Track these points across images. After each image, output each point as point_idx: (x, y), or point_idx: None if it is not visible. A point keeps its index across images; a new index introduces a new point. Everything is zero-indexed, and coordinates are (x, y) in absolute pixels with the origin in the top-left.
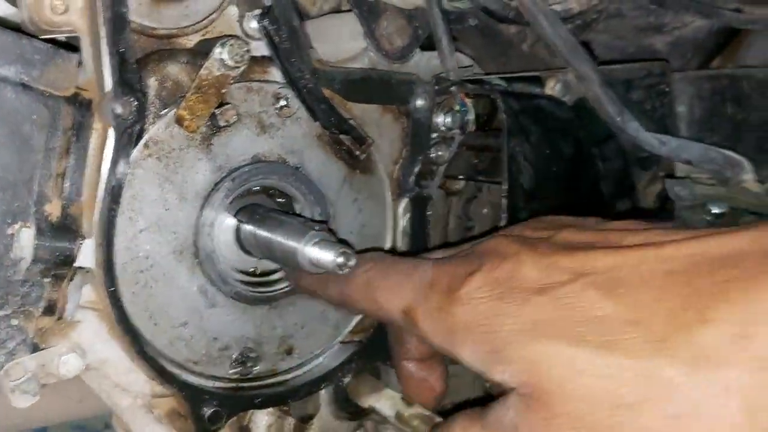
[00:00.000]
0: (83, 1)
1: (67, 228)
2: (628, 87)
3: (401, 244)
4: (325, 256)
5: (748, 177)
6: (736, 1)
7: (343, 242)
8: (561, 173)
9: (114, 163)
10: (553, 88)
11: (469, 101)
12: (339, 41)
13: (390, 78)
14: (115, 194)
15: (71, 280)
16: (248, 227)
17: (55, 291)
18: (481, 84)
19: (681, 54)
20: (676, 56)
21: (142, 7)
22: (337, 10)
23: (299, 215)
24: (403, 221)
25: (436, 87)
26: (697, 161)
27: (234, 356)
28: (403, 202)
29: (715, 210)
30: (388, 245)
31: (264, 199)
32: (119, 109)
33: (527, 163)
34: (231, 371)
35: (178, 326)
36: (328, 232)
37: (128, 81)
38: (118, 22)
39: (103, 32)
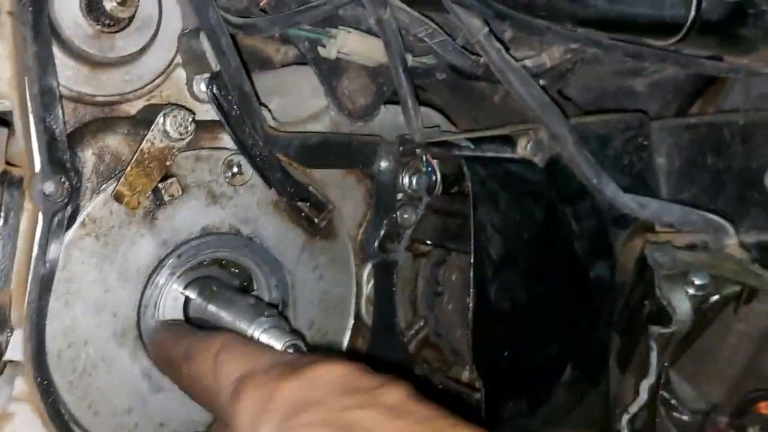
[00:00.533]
0: (11, 71)
1: None
2: (605, 142)
3: (366, 312)
4: (273, 345)
5: (732, 242)
6: (714, 50)
7: (295, 332)
8: (532, 238)
9: (43, 249)
10: (524, 147)
11: (435, 163)
12: (300, 97)
13: (351, 141)
14: (45, 282)
15: (1, 373)
16: (197, 302)
17: None
18: (447, 146)
19: (661, 96)
20: (656, 98)
21: (80, 73)
22: (302, 59)
23: (253, 295)
24: (368, 288)
25: (401, 148)
26: (678, 224)
27: None
28: (368, 268)
29: (698, 281)
30: (351, 313)
31: (216, 271)
32: (49, 190)
33: (495, 232)
34: None
35: (121, 414)
36: (279, 318)
37: (59, 160)
38: (47, 97)
39: (30, 106)
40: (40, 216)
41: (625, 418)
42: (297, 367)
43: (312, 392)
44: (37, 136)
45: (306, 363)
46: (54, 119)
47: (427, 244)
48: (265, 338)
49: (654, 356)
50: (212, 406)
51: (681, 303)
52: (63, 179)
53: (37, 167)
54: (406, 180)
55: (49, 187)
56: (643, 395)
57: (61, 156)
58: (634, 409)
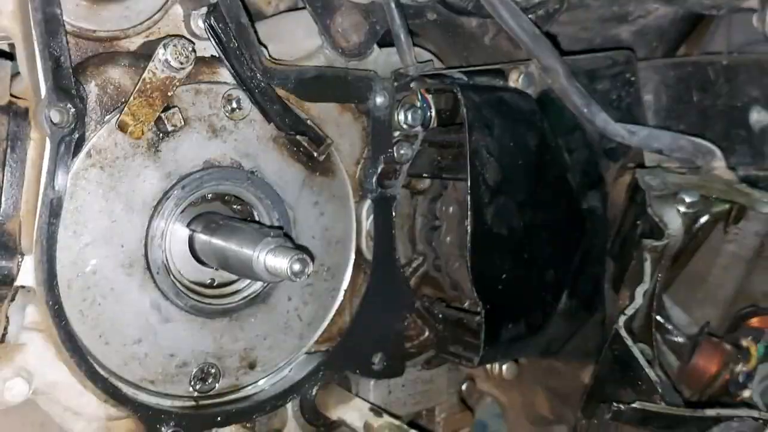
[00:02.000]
0: (14, 4)
1: (4, 245)
2: (593, 77)
3: (366, 247)
4: (280, 263)
5: (720, 164)
6: None
7: (301, 248)
8: (527, 165)
9: (51, 174)
10: (516, 80)
11: (430, 97)
12: (294, 40)
13: (346, 75)
14: (54, 208)
15: (12, 300)
16: (202, 236)
17: None
18: (441, 78)
19: (646, 43)
20: (642, 45)
21: (80, 8)
22: (293, 9)
23: (257, 222)
24: (368, 223)
25: (396, 83)
26: (667, 150)
27: (193, 373)
28: (367, 204)
29: (688, 199)
30: (353, 249)
31: (219, 206)
32: (55, 117)
33: (491, 157)
34: (190, 389)
35: (131, 344)
36: (283, 238)
37: (64, 86)
38: (51, 24)
39: (34, 33)
40: (48, 142)
41: (622, 319)
42: None
43: None
44: (42, 63)
45: None
46: (58, 46)
47: (424, 177)
48: (271, 258)
49: (648, 265)
50: None
51: (672, 219)
52: (68, 105)
53: (43, 94)
54: (401, 116)
55: (56, 113)
56: (639, 299)
57: (65, 82)
58: (630, 311)
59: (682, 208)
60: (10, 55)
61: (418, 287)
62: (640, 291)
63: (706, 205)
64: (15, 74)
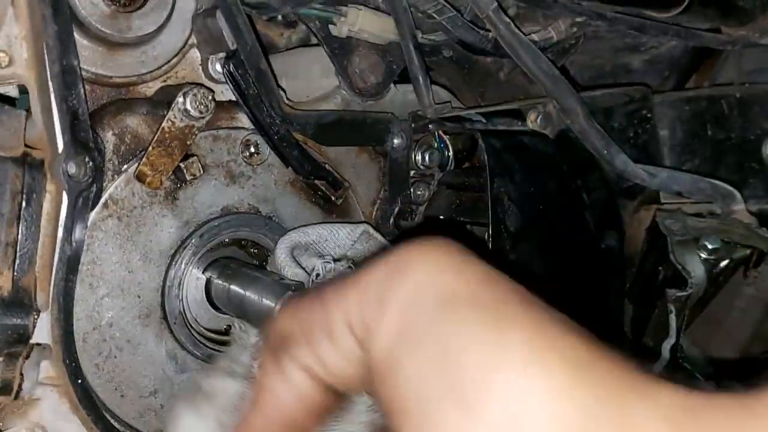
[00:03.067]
0: (29, 52)
1: (19, 302)
2: (609, 114)
3: None
4: None
5: (739, 207)
6: (712, 22)
7: None
8: (546, 210)
9: (68, 229)
10: (534, 121)
11: (447, 138)
12: (310, 78)
13: (365, 119)
14: (72, 263)
15: (27, 357)
16: (219, 283)
17: (10, 370)
18: (460, 121)
19: (658, 72)
20: (653, 74)
21: (96, 55)
22: (306, 42)
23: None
24: None
25: (413, 125)
26: (687, 192)
27: None
28: None
29: (710, 245)
30: None
31: (236, 251)
32: (73, 170)
33: (512, 203)
34: None
35: (147, 396)
36: (305, 292)
37: (82, 139)
38: (69, 76)
39: (51, 85)
40: (65, 197)
41: None
42: None
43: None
44: (60, 116)
45: None
46: (76, 98)
47: (441, 220)
48: None
49: (673, 318)
50: None
51: (695, 267)
52: (87, 159)
53: (60, 147)
54: (419, 156)
55: (73, 167)
56: (666, 355)
57: (84, 135)
58: (657, 368)
59: (704, 255)
60: (12, 99)
61: None
62: (666, 347)
63: (727, 250)
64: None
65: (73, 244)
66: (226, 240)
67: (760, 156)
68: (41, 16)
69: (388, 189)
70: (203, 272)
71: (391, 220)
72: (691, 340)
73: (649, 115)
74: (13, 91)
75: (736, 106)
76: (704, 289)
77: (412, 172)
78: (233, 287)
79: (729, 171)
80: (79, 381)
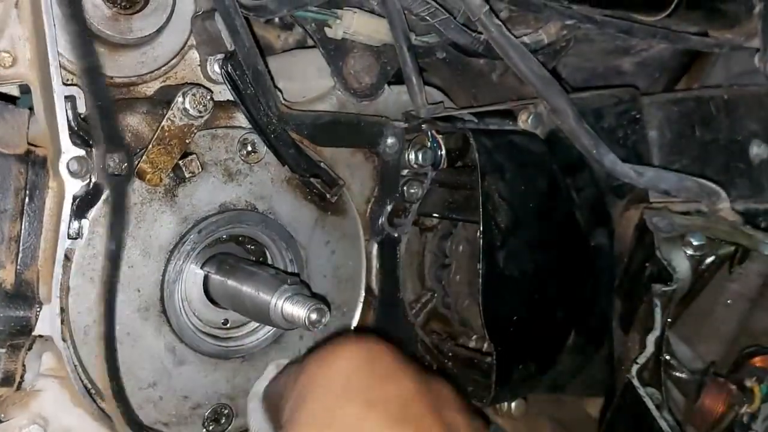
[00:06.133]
0: (32, 53)
1: (22, 295)
2: (599, 115)
3: (376, 285)
4: (298, 312)
5: (725, 206)
6: (699, 26)
7: (317, 297)
8: (537, 207)
9: (70, 224)
10: (525, 121)
11: (440, 137)
12: (306, 79)
13: (359, 121)
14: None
15: (29, 349)
16: (217, 278)
17: (12, 361)
18: (452, 121)
19: (648, 74)
20: (644, 76)
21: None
22: (302, 44)
23: (271, 265)
24: (377, 261)
25: (406, 125)
26: (674, 191)
27: (206, 414)
28: (377, 242)
29: (695, 242)
30: (362, 286)
31: (233, 247)
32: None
33: (503, 201)
34: (204, 430)
35: (145, 387)
36: (300, 285)
37: (113, 136)
38: (94, 73)
39: (55, 85)
40: (67, 192)
41: (635, 368)
42: None
43: None
44: (62, 114)
45: None
46: (102, 95)
47: (434, 217)
48: (288, 306)
49: (658, 311)
50: None
51: (680, 263)
52: (119, 153)
53: (63, 144)
54: (411, 156)
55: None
56: (650, 347)
57: (113, 132)
58: (642, 359)
59: (690, 251)
60: (15, 98)
61: (426, 323)
62: (651, 339)
63: (712, 247)
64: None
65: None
66: (224, 236)
67: (746, 156)
68: (59, 15)
69: (381, 187)
70: (201, 267)
71: (384, 218)
72: (679, 335)
73: (638, 116)
74: (14, 91)
75: (724, 107)
76: (690, 285)
77: (405, 171)
78: (231, 282)
79: (716, 171)
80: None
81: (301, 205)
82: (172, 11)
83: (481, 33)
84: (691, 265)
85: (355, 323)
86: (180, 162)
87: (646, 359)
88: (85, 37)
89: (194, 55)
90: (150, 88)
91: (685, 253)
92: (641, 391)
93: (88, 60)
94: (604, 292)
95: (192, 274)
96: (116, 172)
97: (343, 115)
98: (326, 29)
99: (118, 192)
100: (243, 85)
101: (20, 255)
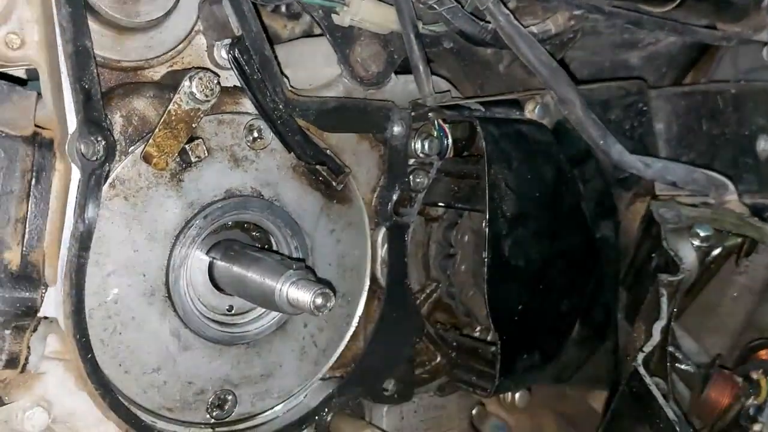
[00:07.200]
0: (40, 35)
1: (28, 277)
2: (607, 107)
3: (381, 274)
4: (303, 296)
5: (732, 197)
6: (708, 18)
7: (322, 282)
8: (543, 197)
9: (81, 207)
10: (532, 111)
11: (446, 126)
12: (313, 67)
13: (366, 107)
14: (83, 240)
15: (34, 331)
16: (222, 264)
17: (17, 343)
18: (459, 110)
19: (656, 68)
20: (651, 71)
21: (105, 39)
22: (309, 33)
23: (276, 251)
24: (383, 250)
25: (413, 113)
26: (681, 182)
27: (210, 400)
28: (382, 231)
29: (702, 233)
30: (367, 275)
31: (238, 234)
32: (86, 150)
33: (509, 190)
34: (207, 416)
35: (150, 372)
36: (306, 271)
37: (95, 119)
38: (82, 57)
39: (63, 66)
40: (77, 175)
41: (641, 356)
42: None
43: None
44: (73, 96)
45: None
46: (89, 78)
47: (440, 206)
48: (294, 291)
49: (664, 301)
50: None
51: (687, 253)
52: (99, 138)
53: (72, 127)
54: (418, 144)
55: (86, 146)
56: (656, 336)
57: (96, 115)
58: (648, 348)
59: (696, 242)
60: (24, 80)
61: (431, 313)
62: (657, 328)
63: (719, 238)
64: None
65: (86, 221)
66: (230, 222)
67: (754, 151)
68: None
69: (387, 176)
70: (207, 253)
71: (390, 206)
72: (685, 328)
73: (645, 109)
74: (23, 75)
75: (731, 102)
76: (696, 276)
77: (411, 160)
78: (236, 268)
79: (724, 165)
80: (89, 356)
81: (306, 192)
82: None
83: (488, 22)
84: (698, 256)
85: (359, 312)
86: (186, 146)
87: (652, 348)
88: (76, 20)
89: (201, 40)
90: (157, 73)
91: (692, 244)
92: (647, 379)
93: (77, 43)
94: (609, 284)
95: (197, 260)
96: (89, 157)
97: (349, 101)
98: (333, 16)
99: (89, 175)
100: (250, 71)
101: (26, 236)
